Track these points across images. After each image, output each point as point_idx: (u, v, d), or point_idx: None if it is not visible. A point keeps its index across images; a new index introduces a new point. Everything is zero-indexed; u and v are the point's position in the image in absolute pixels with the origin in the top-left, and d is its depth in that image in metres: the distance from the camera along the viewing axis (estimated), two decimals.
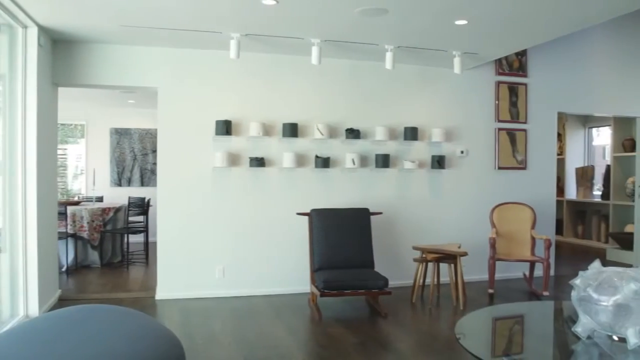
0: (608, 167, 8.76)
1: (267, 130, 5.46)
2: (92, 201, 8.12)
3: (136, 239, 7.78)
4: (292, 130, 5.46)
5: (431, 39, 4.89)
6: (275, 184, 5.58)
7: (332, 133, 5.66)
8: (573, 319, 2.77)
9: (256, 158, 5.40)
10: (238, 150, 5.46)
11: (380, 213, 5.51)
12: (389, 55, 5.07)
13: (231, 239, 5.49)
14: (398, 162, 5.90)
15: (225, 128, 5.28)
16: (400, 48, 5.18)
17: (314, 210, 5.19)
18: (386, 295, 4.83)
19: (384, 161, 5.71)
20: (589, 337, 2.66)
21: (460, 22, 4.38)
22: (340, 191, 5.73)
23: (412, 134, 5.82)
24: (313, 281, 4.99)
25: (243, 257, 5.52)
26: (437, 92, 6.07)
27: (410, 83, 5.96)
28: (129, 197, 7.59)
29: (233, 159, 5.42)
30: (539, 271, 5.92)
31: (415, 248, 5.37)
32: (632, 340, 2.38)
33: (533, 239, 5.74)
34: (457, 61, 5.30)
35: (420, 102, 6.00)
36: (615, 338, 2.58)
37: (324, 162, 5.57)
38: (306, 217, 5.29)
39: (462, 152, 6.13)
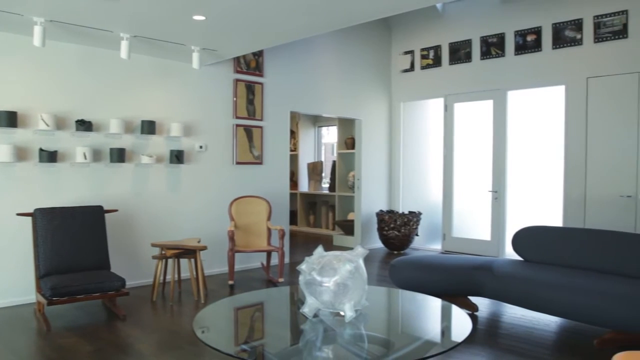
0: (334, 163, 9.77)
1: None
2: None
3: None
4: (9, 119, 4.77)
5: (169, 31, 4.78)
6: None
7: (59, 124, 5.13)
8: (303, 301, 3.01)
9: None
10: None
11: (116, 210, 5.21)
12: (124, 44, 4.80)
13: None
14: (135, 156, 5.64)
15: None
16: (137, 38, 4.95)
17: (38, 210, 4.64)
18: (125, 297, 4.59)
19: (119, 155, 5.40)
20: (315, 316, 2.92)
21: (198, 18, 4.38)
22: (70, 188, 5.24)
23: (149, 127, 5.62)
24: (39, 289, 4.47)
25: None
26: (176, 86, 5.98)
27: (148, 75, 5.75)
28: None
29: None
30: (276, 260, 6.30)
31: (154, 245, 5.21)
32: (348, 314, 2.70)
33: (269, 229, 6.07)
34: (195, 56, 5.30)
35: (158, 95, 5.83)
36: (339, 314, 2.89)
37: (50, 156, 5.01)
38: (29, 218, 4.70)
39: (201, 147, 6.16)
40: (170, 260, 5.30)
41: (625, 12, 6.22)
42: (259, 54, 6.68)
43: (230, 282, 5.66)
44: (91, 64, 5.36)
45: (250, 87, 6.60)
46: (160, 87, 5.84)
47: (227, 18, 4.41)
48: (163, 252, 5.16)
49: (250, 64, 6.61)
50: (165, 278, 5.38)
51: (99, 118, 5.37)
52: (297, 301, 3.47)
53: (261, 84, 6.72)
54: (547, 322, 4.45)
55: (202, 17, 4.38)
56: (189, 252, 5.16)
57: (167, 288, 5.42)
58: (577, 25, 6.58)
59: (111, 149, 5.39)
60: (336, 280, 2.71)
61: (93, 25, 4.58)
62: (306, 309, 2.87)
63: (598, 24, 6.42)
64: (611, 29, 6.33)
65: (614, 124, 6.33)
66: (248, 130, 6.58)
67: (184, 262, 5.92)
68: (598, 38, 6.43)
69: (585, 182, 6.55)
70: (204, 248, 5.12)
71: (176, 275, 5.30)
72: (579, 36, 6.58)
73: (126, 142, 5.57)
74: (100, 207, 4.98)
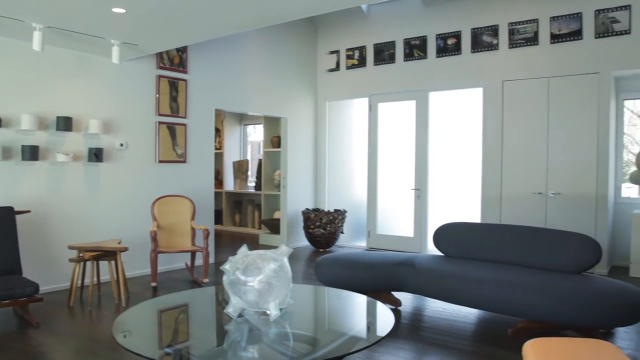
0: (260, 161, 9.72)
1: None
2: None
3: None
4: None
5: (87, 23, 4.57)
6: None
7: None
8: (227, 302, 2.97)
9: None
10: None
11: (28, 211, 4.93)
12: (36, 35, 4.54)
13: None
14: (49, 154, 5.36)
15: None
16: (51, 29, 4.70)
17: None
18: (38, 303, 4.35)
19: (31, 153, 5.11)
20: (240, 316, 2.89)
21: (117, 10, 4.22)
22: None
23: (65, 124, 5.36)
24: None
25: None
26: (95, 82, 5.73)
27: (64, 69, 5.48)
28: None
29: None
30: (201, 260, 6.19)
31: (71, 247, 4.98)
32: (273, 313, 2.69)
33: (193, 229, 5.96)
34: (115, 50, 5.10)
35: (76, 90, 5.57)
36: (264, 313, 2.88)
37: None
38: None
39: (121, 144, 5.95)
40: (89, 263, 5.08)
41: (535, 21, 6.59)
42: (182, 50, 6.53)
43: (153, 284, 5.51)
44: (0, 56, 5.04)
45: (173, 84, 6.44)
46: (77, 81, 5.58)
47: (149, 12, 4.28)
48: (81, 255, 4.94)
49: (174, 60, 6.45)
50: (84, 282, 5.15)
51: (8, 113, 5.06)
52: (221, 301, 3.42)
53: (185, 80, 6.57)
54: (466, 314, 4.64)
55: (122, 10, 4.22)
56: (109, 254, 4.97)
57: (86, 292, 5.20)
58: (494, 31, 6.90)
59: (23, 146, 5.09)
60: (260, 280, 2.69)
61: (2, 14, 4.31)
62: (230, 309, 2.84)
63: (512, 31, 6.76)
64: (524, 36, 6.68)
65: (526, 125, 6.69)
66: (171, 128, 6.42)
67: (104, 264, 5.69)
68: (512, 44, 6.77)
69: (501, 180, 6.88)
70: (125, 249, 4.95)
71: (95, 279, 5.09)
72: (495, 41, 6.90)
73: (40, 139, 5.28)
74: (10, 208, 4.69)
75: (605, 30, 6.18)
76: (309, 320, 3.19)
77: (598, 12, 6.21)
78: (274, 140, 9.22)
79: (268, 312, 2.82)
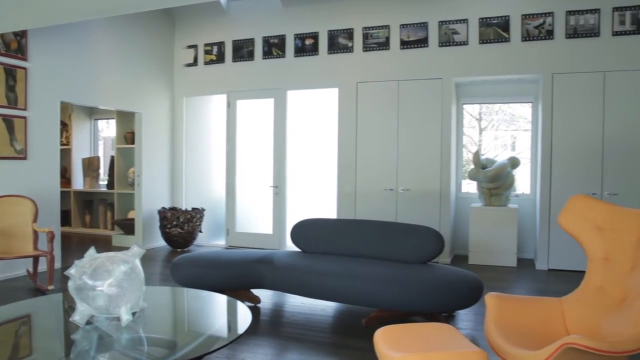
0: (113, 158, 9.20)
1: None
2: None
3: None
4: None
5: None
6: None
7: None
8: (74, 309, 2.77)
9: None
10: None
11: None
12: None
13: None
14: None
15: None
16: None
17: None
18: None
19: None
20: (88, 323, 2.72)
21: None
22: None
23: None
24: None
25: None
26: None
27: None
28: None
29: None
30: (45, 266, 5.71)
31: None
32: (124, 317, 2.57)
33: (36, 232, 5.47)
34: None
35: None
36: (116, 318, 2.73)
37: None
38: None
39: None
40: None
41: (387, 27, 6.99)
42: (21, 35, 5.95)
43: None
44: None
45: (10, 72, 5.85)
46: None
47: None
48: None
49: (11, 45, 5.85)
50: None
51: None
52: (68, 309, 3.19)
53: (25, 68, 5.99)
54: (323, 307, 4.79)
55: None
56: None
57: None
58: (349, 34, 7.20)
59: None
60: (110, 283, 2.55)
61: None
62: (77, 317, 2.65)
63: (366, 35, 7.10)
64: (377, 41, 7.06)
65: (378, 125, 7.08)
66: (8, 121, 5.82)
67: None
68: (366, 47, 7.12)
69: (355, 177, 7.21)
70: None
71: None
72: (350, 44, 7.21)
73: None
74: None
75: (447, 40, 6.74)
76: (166, 323, 3.10)
77: (441, 23, 6.76)
78: (128, 136, 8.78)
79: (120, 317, 2.68)
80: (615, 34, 6.10)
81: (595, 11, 6.16)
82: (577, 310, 2.91)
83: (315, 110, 8.01)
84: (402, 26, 6.94)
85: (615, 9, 6.08)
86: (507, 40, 6.52)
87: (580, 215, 3.01)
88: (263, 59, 7.77)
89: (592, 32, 6.18)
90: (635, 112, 6.03)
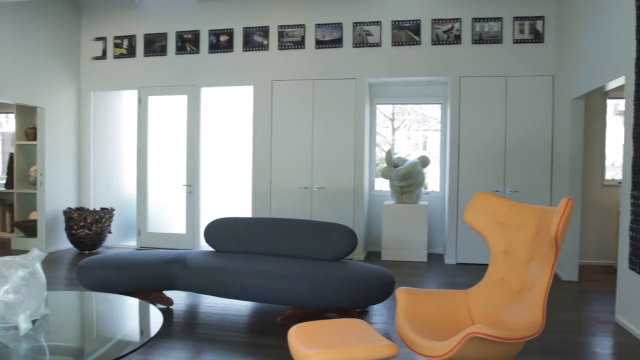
0: (12, 155, 8.61)
1: None
2: None
3: None
4: None
5: None
6: None
7: None
8: None
9: None
10: None
11: None
12: None
13: None
14: None
15: None
16: None
17: None
18: None
19: None
20: None
21: None
22: None
23: None
24: None
25: None
26: None
27: None
28: None
29: None
30: None
31: None
32: (22, 326, 2.40)
33: None
34: None
35: None
36: (14, 327, 2.55)
37: None
38: None
39: None
40: None
41: (303, 26, 7.03)
42: None
43: None
44: None
45: None
46: None
47: None
48: None
49: None
50: None
51: None
52: None
53: None
54: (238, 307, 4.74)
55: None
56: None
57: None
58: (265, 32, 7.16)
59: None
60: (7, 290, 2.38)
61: None
62: None
63: (282, 33, 7.10)
64: (292, 39, 7.07)
65: (293, 124, 7.09)
66: None
67: None
68: (282, 46, 7.12)
69: (270, 176, 7.18)
70: None
71: None
72: (266, 42, 7.17)
73: None
74: None
75: (361, 41, 6.87)
76: (71, 330, 2.94)
77: (356, 24, 6.88)
78: (29, 132, 8.24)
79: (18, 326, 2.51)
80: (516, 41, 6.50)
81: (498, 19, 6.52)
82: (481, 301, 3.07)
83: (230, 108, 7.90)
84: (318, 26, 7.00)
85: (516, 18, 6.48)
86: (418, 43, 6.75)
87: (483, 211, 3.17)
88: (176, 54, 7.56)
89: (496, 39, 6.54)
90: (534, 115, 6.45)
